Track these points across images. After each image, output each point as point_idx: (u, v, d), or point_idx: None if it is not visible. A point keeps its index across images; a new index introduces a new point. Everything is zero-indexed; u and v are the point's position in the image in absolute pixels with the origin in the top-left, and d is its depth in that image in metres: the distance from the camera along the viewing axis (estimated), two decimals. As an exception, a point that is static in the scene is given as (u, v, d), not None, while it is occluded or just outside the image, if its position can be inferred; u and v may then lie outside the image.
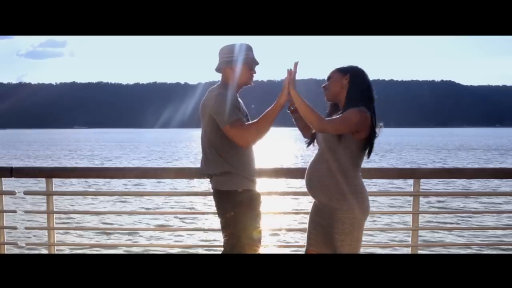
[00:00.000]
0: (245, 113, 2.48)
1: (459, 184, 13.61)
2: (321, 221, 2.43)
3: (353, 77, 2.40)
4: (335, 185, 2.36)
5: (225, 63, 2.47)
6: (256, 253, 2.42)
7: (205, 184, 2.68)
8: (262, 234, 2.46)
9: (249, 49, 2.48)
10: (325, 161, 2.40)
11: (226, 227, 2.44)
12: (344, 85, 2.41)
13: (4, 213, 3.15)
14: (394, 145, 47.08)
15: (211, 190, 2.53)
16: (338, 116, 2.34)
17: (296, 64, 2.32)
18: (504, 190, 12.24)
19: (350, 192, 2.36)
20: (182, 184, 13.72)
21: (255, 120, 2.39)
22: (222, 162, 2.40)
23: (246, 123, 2.39)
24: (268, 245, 2.72)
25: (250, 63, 2.48)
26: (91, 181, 13.85)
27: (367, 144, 2.38)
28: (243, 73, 2.46)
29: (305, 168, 2.53)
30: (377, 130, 2.39)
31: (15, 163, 24.46)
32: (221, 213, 2.46)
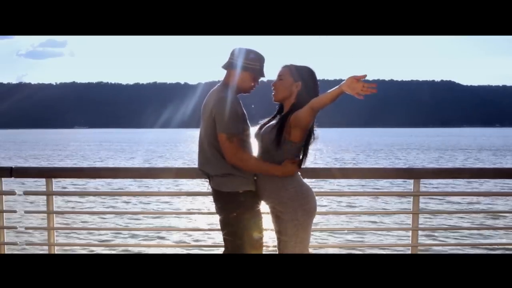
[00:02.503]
0: (245, 116, 2.47)
1: (459, 184, 13.60)
2: (272, 220, 2.49)
3: (304, 86, 2.42)
4: (276, 188, 2.40)
5: (230, 64, 2.46)
6: (258, 253, 2.42)
7: (205, 184, 2.67)
8: (263, 234, 2.46)
9: (258, 59, 2.46)
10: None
11: (227, 228, 2.44)
12: (294, 92, 2.44)
13: (4, 213, 3.14)
14: (384, 145, 47.21)
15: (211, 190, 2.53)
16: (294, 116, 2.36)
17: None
18: (504, 190, 12.24)
19: (291, 194, 2.39)
20: (182, 184, 13.72)
21: (255, 157, 2.43)
22: (223, 163, 2.39)
23: (246, 150, 2.40)
24: (269, 245, 2.72)
25: (255, 73, 2.46)
26: (91, 181, 13.85)
27: (305, 147, 2.43)
28: (246, 79, 2.45)
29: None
30: (315, 133, 2.45)
31: (15, 163, 24.44)
32: (222, 213, 2.46)
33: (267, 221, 2.52)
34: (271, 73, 2.54)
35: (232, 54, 2.47)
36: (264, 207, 2.51)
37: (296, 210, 2.37)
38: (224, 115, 2.33)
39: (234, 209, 2.39)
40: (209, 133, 2.42)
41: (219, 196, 2.45)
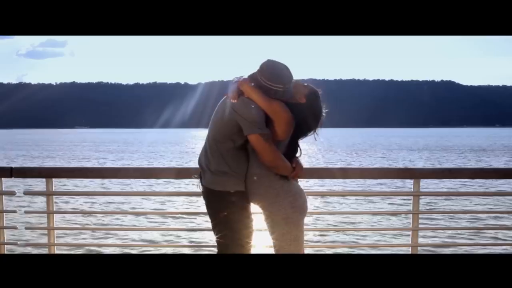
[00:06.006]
0: None
1: (459, 184, 13.60)
2: (265, 222, 2.49)
3: (307, 105, 2.42)
4: (264, 189, 2.41)
5: (255, 78, 2.37)
6: (249, 253, 2.43)
7: (195, 183, 2.67)
8: (254, 233, 2.47)
9: (282, 82, 2.34)
10: (249, 166, 2.44)
11: (218, 227, 2.45)
12: (295, 98, 2.42)
13: (4, 213, 3.14)
14: (371, 145, 47.37)
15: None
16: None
17: None
18: (504, 190, 12.24)
19: (278, 193, 2.40)
20: (182, 184, 13.72)
21: (285, 159, 2.40)
22: (222, 162, 2.40)
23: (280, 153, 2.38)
24: (260, 245, 2.73)
25: (277, 96, 2.35)
26: (91, 181, 13.84)
27: (293, 143, 2.45)
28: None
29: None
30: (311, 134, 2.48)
31: (15, 163, 24.44)
32: (212, 213, 2.47)
33: (258, 221, 2.52)
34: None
35: (260, 68, 2.37)
36: (254, 207, 2.51)
37: (286, 208, 2.39)
38: (254, 116, 2.31)
39: (224, 208, 2.39)
40: (218, 132, 2.42)
41: (210, 195, 2.45)
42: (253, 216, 2.49)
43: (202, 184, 2.50)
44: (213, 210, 2.46)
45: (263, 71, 2.35)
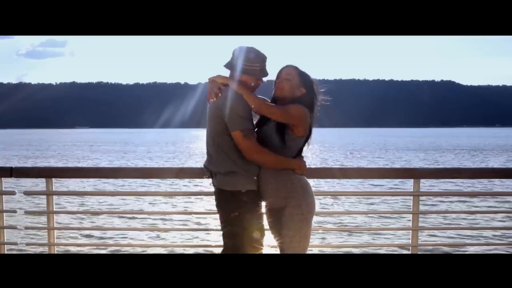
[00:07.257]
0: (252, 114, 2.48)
1: (459, 184, 13.60)
2: (272, 222, 2.49)
3: (305, 94, 2.48)
4: (280, 183, 2.42)
5: (231, 65, 2.46)
6: (258, 253, 2.42)
7: (206, 184, 2.67)
8: (264, 234, 2.46)
9: (258, 60, 2.44)
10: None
11: (228, 227, 2.44)
12: (295, 95, 2.47)
13: (4, 213, 3.15)
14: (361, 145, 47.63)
15: (212, 190, 2.53)
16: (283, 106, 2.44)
17: None
18: (504, 190, 12.24)
19: (296, 188, 2.42)
20: (182, 184, 13.72)
21: (272, 153, 2.40)
22: (228, 161, 2.40)
23: (263, 146, 2.39)
24: (270, 245, 2.73)
25: (256, 75, 2.45)
26: (91, 181, 13.85)
27: (305, 142, 2.50)
28: (247, 81, 2.44)
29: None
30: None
31: (15, 163, 24.44)
32: (223, 212, 2.46)
33: (265, 221, 2.51)
34: (271, 72, 2.56)
35: (233, 54, 2.46)
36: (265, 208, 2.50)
37: (301, 204, 2.40)
38: (236, 113, 2.34)
39: (236, 208, 2.39)
40: (214, 131, 2.43)
41: (221, 195, 2.45)
42: (264, 216, 2.49)
43: (213, 185, 2.51)
44: (224, 210, 2.45)
45: (237, 55, 2.43)
